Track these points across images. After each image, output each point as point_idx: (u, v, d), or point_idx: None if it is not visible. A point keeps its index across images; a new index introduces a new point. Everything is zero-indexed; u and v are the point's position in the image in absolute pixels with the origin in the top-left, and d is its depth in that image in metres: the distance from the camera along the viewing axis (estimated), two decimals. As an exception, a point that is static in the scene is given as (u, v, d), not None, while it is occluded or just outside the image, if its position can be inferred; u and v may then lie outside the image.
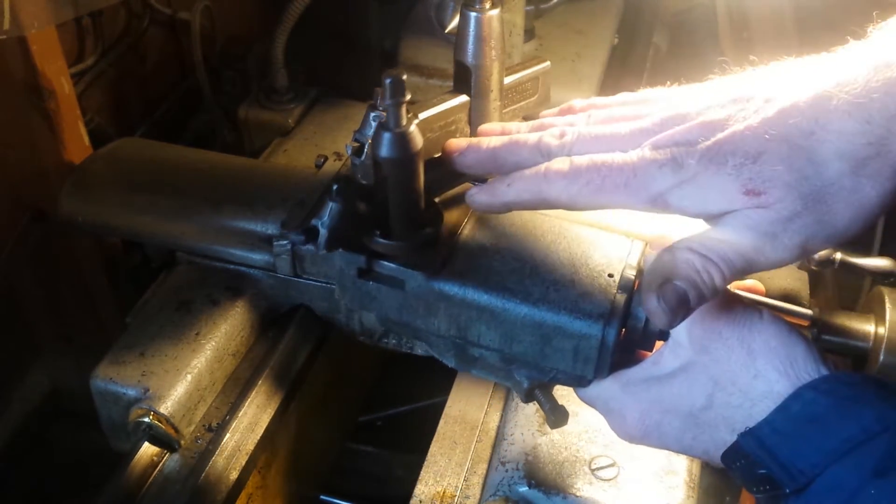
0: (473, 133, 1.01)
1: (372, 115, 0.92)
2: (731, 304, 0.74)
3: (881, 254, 1.03)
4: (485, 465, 1.02)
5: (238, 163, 1.27)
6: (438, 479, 1.03)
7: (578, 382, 0.82)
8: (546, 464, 0.98)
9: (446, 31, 1.27)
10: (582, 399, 0.84)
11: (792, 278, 1.12)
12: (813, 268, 1.01)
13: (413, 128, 0.72)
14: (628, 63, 1.67)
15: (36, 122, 1.27)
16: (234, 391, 1.08)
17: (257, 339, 1.13)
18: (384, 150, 0.73)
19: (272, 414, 1.08)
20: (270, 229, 1.11)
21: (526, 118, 1.08)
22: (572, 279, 0.80)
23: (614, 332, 0.77)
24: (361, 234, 0.79)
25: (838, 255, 1.00)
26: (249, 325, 1.12)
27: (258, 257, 1.11)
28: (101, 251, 1.44)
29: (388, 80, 0.72)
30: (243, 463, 1.03)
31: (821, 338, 1.08)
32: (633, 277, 0.80)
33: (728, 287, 0.74)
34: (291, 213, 1.11)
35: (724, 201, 0.71)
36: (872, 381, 0.69)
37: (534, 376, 0.83)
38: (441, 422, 1.08)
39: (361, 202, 0.79)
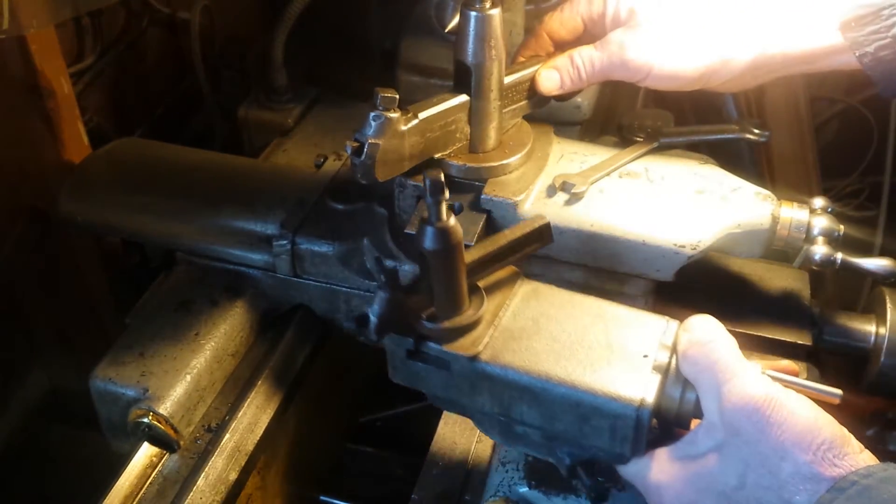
0: (474, 134, 1.01)
1: (372, 115, 0.92)
2: (762, 387, 0.75)
3: (882, 254, 1.02)
4: (485, 466, 1.02)
5: (237, 163, 1.27)
6: (438, 479, 1.03)
7: (618, 459, 0.84)
8: (546, 464, 0.97)
9: (446, 30, 1.26)
10: (623, 476, 0.86)
11: (793, 279, 1.12)
12: (814, 268, 1.00)
13: (453, 221, 0.76)
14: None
15: (35, 122, 1.27)
16: (234, 391, 1.08)
17: (257, 340, 1.13)
18: (428, 243, 0.77)
19: (272, 414, 1.08)
20: (270, 229, 1.10)
21: (527, 118, 1.08)
22: (608, 360, 0.82)
23: (648, 413, 0.79)
24: (410, 317, 0.83)
25: (839, 256, 0.99)
26: (249, 325, 1.11)
27: (258, 257, 1.11)
28: (100, 251, 1.44)
29: (427, 181, 0.74)
30: (243, 463, 1.04)
31: (822, 338, 1.08)
32: (667, 357, 0.82)
33: (760, 369, 0.77)
34: (291, 213, 1.11)
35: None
36: None
37: (575, 453, 0.86)
38: (441, 422, 1.08)
39: (407, 290, 0.83)
